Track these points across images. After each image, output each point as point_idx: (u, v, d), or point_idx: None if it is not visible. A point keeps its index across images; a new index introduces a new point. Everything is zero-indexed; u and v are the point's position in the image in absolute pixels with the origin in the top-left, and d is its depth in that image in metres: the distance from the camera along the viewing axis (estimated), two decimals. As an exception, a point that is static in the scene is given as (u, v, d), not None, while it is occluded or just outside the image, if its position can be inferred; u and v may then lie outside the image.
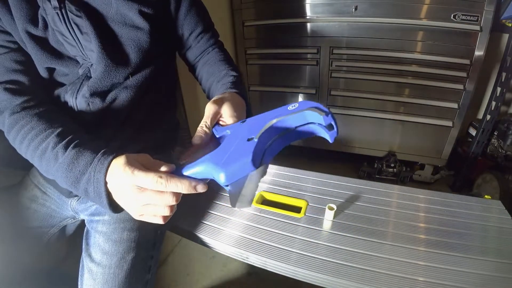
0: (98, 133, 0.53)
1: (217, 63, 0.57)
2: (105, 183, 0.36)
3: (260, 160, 0.30)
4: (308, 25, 1.48)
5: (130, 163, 0.34)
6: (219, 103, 0.42)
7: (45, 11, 0.44)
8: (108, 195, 0.36)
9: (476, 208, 0.66)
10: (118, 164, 0.35)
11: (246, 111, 0.46)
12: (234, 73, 0.54)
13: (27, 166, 0.65)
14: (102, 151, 0.38)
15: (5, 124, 0.45)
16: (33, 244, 0.59)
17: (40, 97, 0.48)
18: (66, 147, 0.40)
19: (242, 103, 0.46)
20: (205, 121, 0.40)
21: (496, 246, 0.57)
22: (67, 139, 0.41)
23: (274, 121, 0.32)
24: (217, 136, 0.40)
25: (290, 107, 0.32)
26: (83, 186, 0.38)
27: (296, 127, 0.32)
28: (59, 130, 0.43)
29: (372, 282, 0.49)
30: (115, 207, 0.38)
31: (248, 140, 0.31)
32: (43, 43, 0.47)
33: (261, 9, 1.55)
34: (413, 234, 0.59)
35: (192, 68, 0.65)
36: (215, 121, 0.41)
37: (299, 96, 1.68)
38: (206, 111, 0.41)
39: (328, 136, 0.30)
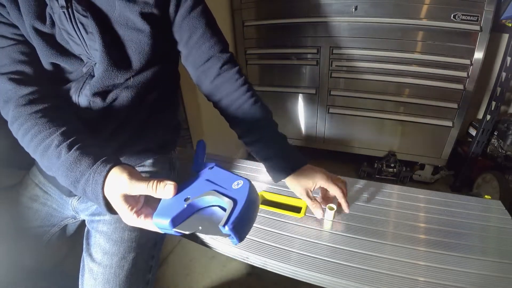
0: (99, 132, 0.53)
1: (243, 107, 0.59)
2: (103, 185, 0.38)
3: (180, 222, 0.36)
4: (308, 25, 1.48)
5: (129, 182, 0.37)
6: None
7: (52, 9, 0.45)
8: (105, 198, 0.39)
9: (476, 208, 0.66)
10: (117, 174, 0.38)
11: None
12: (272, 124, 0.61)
13: (27, 166, 0.65)
14: (104, 158, 0.40)
15: (9, 116, 0.46)
16: (33, 244, 0.59)
17: (45, 91, 0.49)
18: (70, 147, 0.41)
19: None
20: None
21: (496, 246, 0.57)
22: (71, 139, 0.42)
23: (209, 197, 0.37)
24: (196, 170, 0.46)
25: (234, 184, 0.37)
26: (82, 186, 0.39)
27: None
28: (63, 129, 0.43)
29: (372, 282, 0.49)
30: (111, 209, 0.40)
31: (185, 200, 0.37)
32: (49, 40, 0.47)
33: (261, 9, 1.55)
34: (413, 234, 0.59)
35: (194, 75, 0.60)
36: None
37: (299, 96, 1.68)
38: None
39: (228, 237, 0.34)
